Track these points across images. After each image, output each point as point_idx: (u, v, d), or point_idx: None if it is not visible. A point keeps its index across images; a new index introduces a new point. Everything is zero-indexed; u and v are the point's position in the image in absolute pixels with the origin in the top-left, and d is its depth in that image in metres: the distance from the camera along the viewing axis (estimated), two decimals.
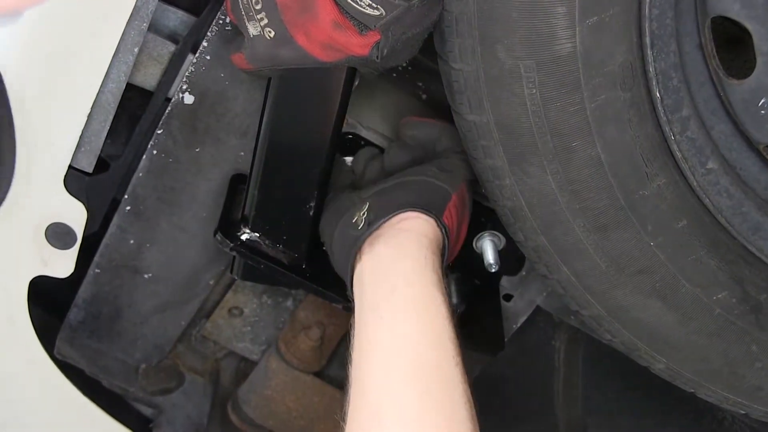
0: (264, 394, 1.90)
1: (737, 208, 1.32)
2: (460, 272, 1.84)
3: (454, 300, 1.82)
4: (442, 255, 1.44)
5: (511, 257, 1.74)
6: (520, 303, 1.90)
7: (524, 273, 1.84)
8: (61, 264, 1.69)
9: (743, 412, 1.56)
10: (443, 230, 1.44)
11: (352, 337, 1.35)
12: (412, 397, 1.21)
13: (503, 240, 1.70)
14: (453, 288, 1.82)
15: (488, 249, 1.68)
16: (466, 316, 1.83)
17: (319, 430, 1.94)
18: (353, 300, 1.41)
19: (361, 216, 1.45)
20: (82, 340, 1.89)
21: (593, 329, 1.54)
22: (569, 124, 1.27)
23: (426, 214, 1.42)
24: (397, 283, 1.35)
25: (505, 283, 1.87)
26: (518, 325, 1.93)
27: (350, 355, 1.33)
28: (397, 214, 1.42)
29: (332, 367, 1.97)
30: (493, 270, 1.66)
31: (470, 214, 1.58)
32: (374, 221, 1.42)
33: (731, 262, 1.38)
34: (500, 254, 1.69)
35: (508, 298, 1.90)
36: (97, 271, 1.78)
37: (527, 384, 2.29)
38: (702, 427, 2.22)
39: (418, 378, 1.23)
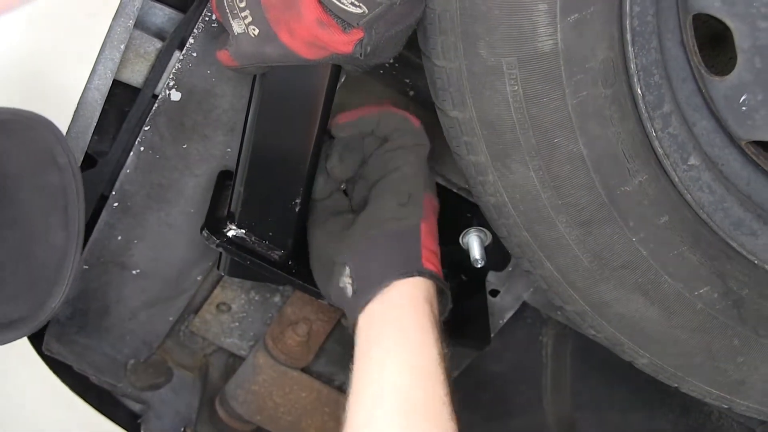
0: (251, 390, 1.91)
1: (719, 204, 1.33)
2: (446, 268, 1.84)
3: None
4: (440, 293, 1.49)
5: (498, 253, 1.74)
6: (506, 298, 1.91)
7: (511, 269, 1.85)
8: None
9: (726, 406, 1.56)
10: (427, 277, 1.47)
11: (350, 380, 1.41)
12: None
13: (489, 236, 1.71)
14: None
15: (474, 245, 1.69)
16: (453, 312, 1.83)
17: (306, 424, 1.95)
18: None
19: (346, 282, 1.49)
20: (71, 335, 1.89)
21: (577, 325, 1.55)
22: (551, 121, 1.28)
23: (406, 278, 1.45)
24: (386, 330, 1.41)
25: (492, 278, 1.88)
26: (505, 320, 1.94)
27: (348, 395, 1.39)
28: (381, 288, 1.44)
29: (319, 362, 1.97)
30: (479, 266, 1.67)
31: (450, 209, 1.61)
32: (360, 292, 1.46)
33: (713, 257, 1.39)
34: (486, 250, 1.70)
35: (495, 293, 1.91)
36: (85, 267, 1.78)
37: (515, 379, 2.30)
38: (689, 422, 2.23)
39: (404, 416, 1.29)
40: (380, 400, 1.31)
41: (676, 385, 1.56)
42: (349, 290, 1.47)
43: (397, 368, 1.35)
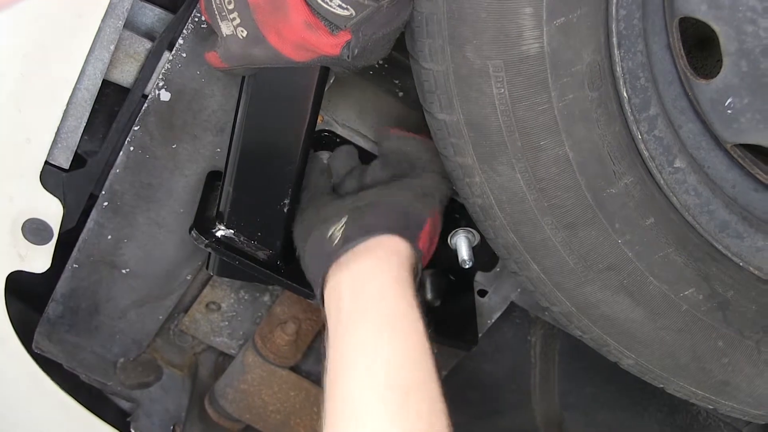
0: (240, 388, 1.91)
1: (704, 206, 1.34)
2: (435, 268, 1.85)
3: (429, 295, 1.83)
4: (415, 275, 1.46)
5: (486, 254, 1.75)
6: (494, 299, 1.91)
7: (498, 269, 1.85)
8: (38, 259, 1.70)
9: (711, 407, 1.57)
10: (417, 255, 1.47)
11: (326, 349, 1.37)
12: (391, 412, 1.23)
13: (477, 237, 1.71)
14: (428, 284, 1.84)
15: (462, 245, 1.69)
16: (441, 312, 1.84)
17: (294, 423, 1.95)
18: (324, 310, 1.43)
19: (337, 229, 1.47)
20: (61, 334, 1.90)
21: (564, 326, 1.56)
22: (537, 123, 1.28)
23: (402, 239, 1.45)
24: (374, 300, 1.37)
25: (480, 278, 1.88)
26: (493, 320, 1.94)
27: (325, 367, 1.35)
28: (374, 237, 1.44)
29: (308, 361, 1.98)
30: (467, 266, 1.68)
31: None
32: (350, 239, 1.45)
33: (698, 259, 1.39)
34: (474, 251, 1.71)
35: (483, 293, 1.91)
36: (75, 266, 1.79)
37: (504, 378, 2.30)
38: (677, 422, 2.24)
39: (396, 393, 1.25)
40: (371, 378, 1.27)
41: (662, 385, 1.57)
42: (337, 238, 1.45)
43: (387, 344, 1.32)
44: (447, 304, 1.86)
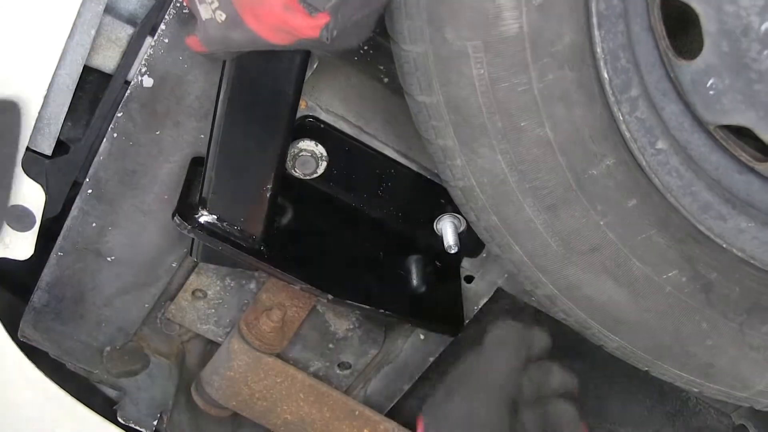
0: (226, 376, 1.90)
1: (687, 188, 1.33)
2: (421, 254, 1.85)
3: (415, 281, 1.83)
4: None
5: (472, 239, 1.75)
6: (481, 284, 1.91)
7: (485, 255, 1.85)
8: (21, 246, 1.70)
9: (696, 390, 1.57)
10: None
11: None
12: None
13: (463, 222, 1.71)
14: (414, 270, 1.84)
15: (448, 231, 1.70)
16: (427, 298, 1.84)
17: (281, 410, 1.95)
18: None
19: None
20: (46, 322, 1.90)
21: (547, 308, 1.56)
22: (517, 104, 1.28)
23: None
24: None
25: (467, 264, 1.88)
26: (479, 306, 1.94)
27: None
28: None
29: (294, 348, 1.97)
30: (453, 251, 1.68)
31: (424, 195, 1.61)
32: None
33: (681, 241, 1.39)
34: (461, 236, 1.71)
35: (470, 279, 1.91)
36: (60, 254, 1.78)
37: None
38: (666, 408, 2.24)
39: None
40: None
41: (647, 368, 1.57)
42: None
43: None
44: (433, 290, 1.86)
